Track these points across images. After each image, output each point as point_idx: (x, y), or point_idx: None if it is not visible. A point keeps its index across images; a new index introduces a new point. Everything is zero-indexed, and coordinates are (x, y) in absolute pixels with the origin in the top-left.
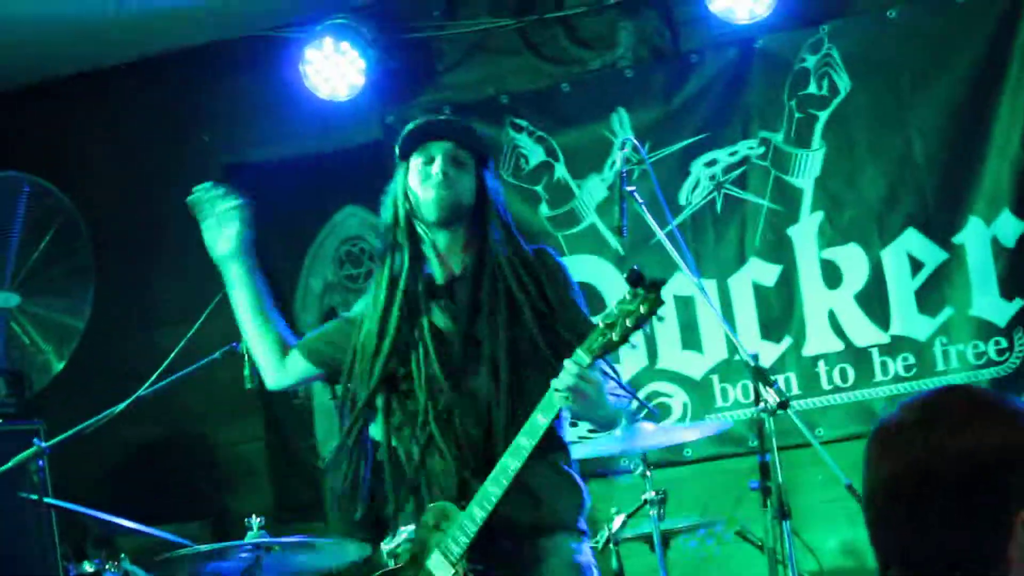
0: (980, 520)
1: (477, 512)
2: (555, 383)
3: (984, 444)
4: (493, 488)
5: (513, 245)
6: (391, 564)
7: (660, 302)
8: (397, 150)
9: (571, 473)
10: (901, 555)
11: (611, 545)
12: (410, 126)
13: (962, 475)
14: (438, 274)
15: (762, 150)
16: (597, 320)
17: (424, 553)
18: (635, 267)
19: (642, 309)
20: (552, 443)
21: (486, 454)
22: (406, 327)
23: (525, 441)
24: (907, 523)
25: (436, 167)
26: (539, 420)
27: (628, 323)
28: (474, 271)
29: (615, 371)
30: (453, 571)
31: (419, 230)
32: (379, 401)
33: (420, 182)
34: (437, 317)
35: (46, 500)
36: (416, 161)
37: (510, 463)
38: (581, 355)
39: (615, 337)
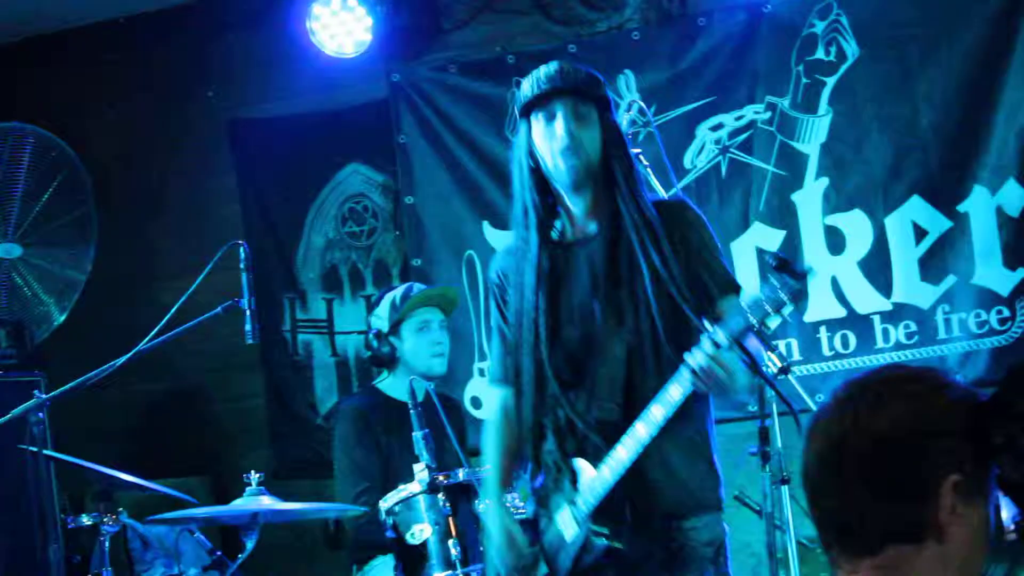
0: (904, 491)
1: (606, 474)
2: (688, 359)
3: (898, 420)
4: (622, 453)
5: (642, 201)
6: (389, 521)
7: (804, 293)
8: (517, 109)
9: (708, 448)
10: (838, 531)
11: None
12: (528, 86)
13: (880, 450)
14: (569, 234)
15: (768, 115)
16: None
17: (553, 506)
18: (782, 253)
19: (785, 296)
20: (691, 415)
21: (627, 420)
22: (529, 297)
23: (658, 411)
24: (838, 499)
25: (560, 128)
26: (672, 392)
27: (768, 308)
28: (606, 234)
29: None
30: (577, 530)
31: (548, 192)
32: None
33: (546, 145)
34: (571, 283)
35: (45, 452)
36: (538, 120)
37: (642, 430)
38: (719, 334)
39: (755, 320)
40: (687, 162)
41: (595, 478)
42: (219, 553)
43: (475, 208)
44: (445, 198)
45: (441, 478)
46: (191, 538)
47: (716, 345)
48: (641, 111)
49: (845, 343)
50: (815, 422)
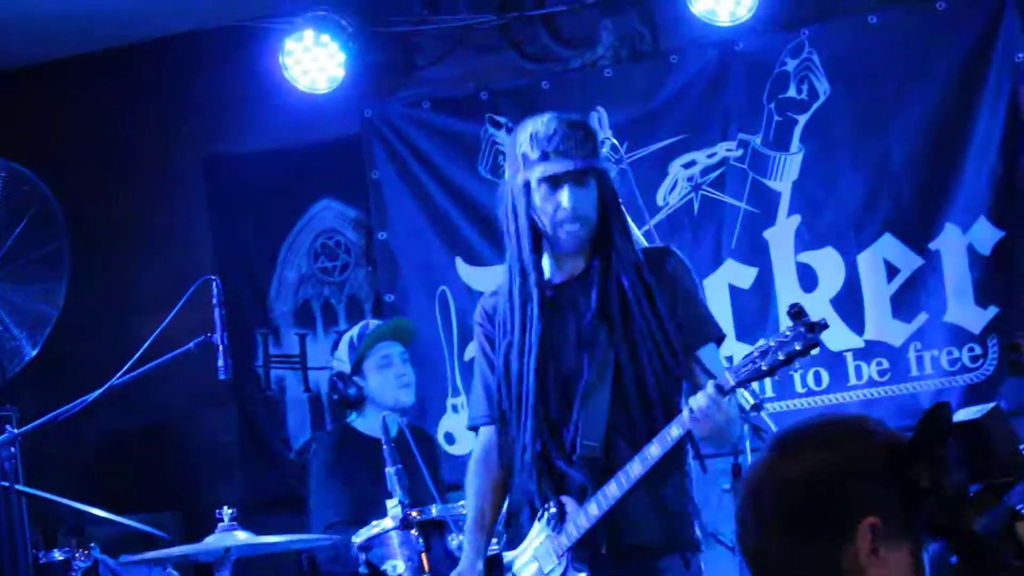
0: (821, 531)
1: (593, 509)
2: (691, 401)
3: (818, 462)
4: (613, 489)
5: (631, 249)
6: (362, 556)
7: (815, 344)
8: (520, 162)
9: (690, 487)
10: (761, 571)
11: None
12: (532, 150)
13: (797, 490)
14: (557, 274)
15: (740, 152)
16: (752, 348)
17: (534, 540)
18: (798, 303)
19: (797, 346)
20: (679, 454)
21: (606, 462)
22: (519, 337)
23: (655, 450)
24: (759, 539)
25: (564, 199)
26: (672, 432)
27: (780, 356)
28: (597, 276)
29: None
30: (555, 563)
31: (542, 248)
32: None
33: (547, 210)
34: (556, 324)
35: (16, 487)
36: (542, 184)
37: (634, 467)
38: (727, 377)
39: (764, 367)
40: (660, 199)
41: (579, 514)
42: None
43: (448, 244)
44: (418, 234)
45: (414, 514)
46: (164, 574)
47: (720, 389)
48: (614, 148)
49: (818, 380)
50: (749, 467)
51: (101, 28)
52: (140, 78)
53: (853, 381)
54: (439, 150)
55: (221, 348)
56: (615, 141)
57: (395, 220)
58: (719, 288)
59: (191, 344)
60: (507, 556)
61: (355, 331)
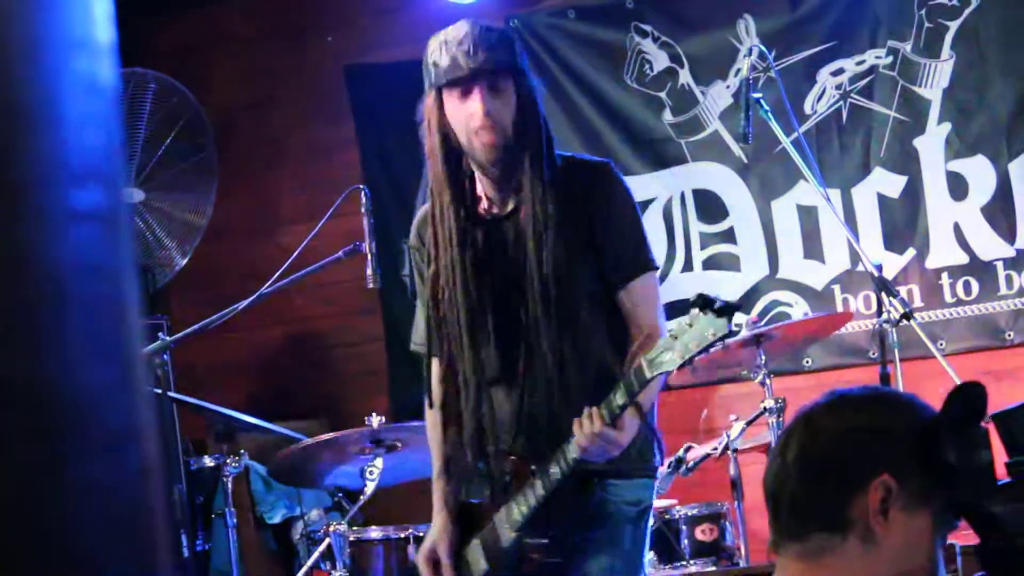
0: (834, 480)
1: (539, 486)
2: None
3: (845, 419)
4: (555, 469)
5: (553, 171)
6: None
7: (727, 328)
8: (428, 77)
9: (651, 416)
10: (773, 512)
11: (729, 452)
12: (442, 58)
13: (818, 440)
14: (492, 205)
15: (890, 60)
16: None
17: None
18: (704, 292)
19: (709, 334)
20: None
21: (556, 418)
22: (449, 275)
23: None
24: (777, 481)
25: (476, 105)
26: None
27: (692, 346)
28: (520, 208)
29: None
30: (512, 537)
31: (462, 162)
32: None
33: (461, 121)
34: (486, 258)
35: (169, 394)
36: (452, 93)
37: (573, 451)
38: (632, 380)
39: (676, 359)
40: (808, 107)
41: (530, 487)
42: (340, 495)
43: (594, 153)
44: (563, 143)
45: None
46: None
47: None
48: (761, 56)
49: (968, 289)
50: (797, 411)
51: None
52: None
53: (1003, 290)
54: (585, 59)
55: (370, 257)
56: (763, 48)
57: None
58: (868, 196)
59: (340, 252)
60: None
61: None
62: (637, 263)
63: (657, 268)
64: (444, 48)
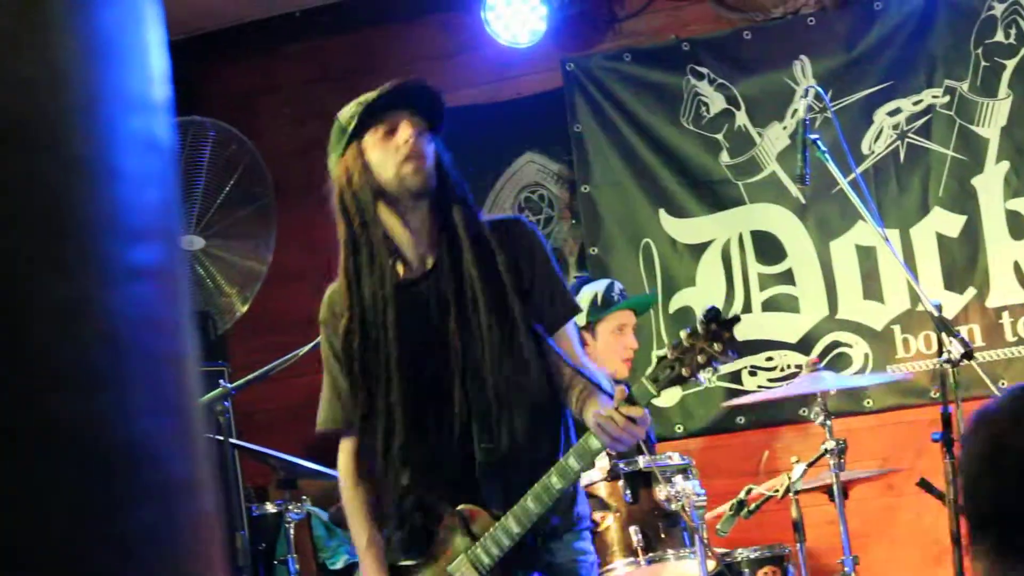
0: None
1: (513, 526)
2: (601, 422)
3: None
4: (534, 505)
5: (477, 224)
6: None
7: (735, 342)
8: (350, 128)
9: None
10: (984, 525)
11: (790, 494)
12: (362, 100)
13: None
14: (412, 263)
15: (947, 99)
16: (664, 352)
17: (445, 554)
18: (713, 306)
19: (716, 347)
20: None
21: (505, 467)
22: (376, 334)
23: (574, 463)
24: (991, 496)
25: (404, 134)
26: (590, 445)
27: (700, 359)
28: (443, 262)
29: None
30: None
31: (384, 215)
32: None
33: (386, 154)
34: (408, 320)
35: (231, 441)
36: (374, 134)
37: (554, 481)
38: (647, 386)
39: (685, 371)
40: (865, 148)
41: (497, 528)
42: None
43: (651, 196)
44: (621, 186)
45: (622, 465)
46: None
47: (631, 399)
48: (818, 97)
49: None
50: (977, 419)
51: None
52: (340, 35)
53: None
54: (641, 102)
55: None
56: (819, 89)
57: (598, 173)
58: (927, 237)
59: None
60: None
61: (600, 289)
62: (566, 310)
63: (578, 310)
64: (361, 105)
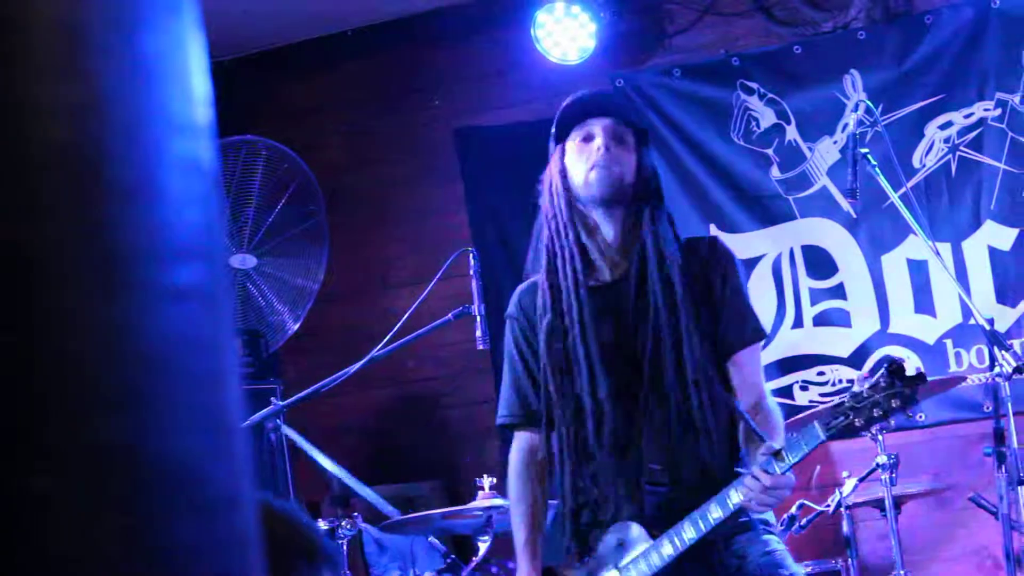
0: None
1: (667, 548)
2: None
3: None
4: (689, 530)
5: (670, 239)
6: None
7: (915, 400)
8: (553, 131)
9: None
10: None
11: (843, 510)
12: (566, 103)
13: None
14: (602, 271)
15: (998, 112)
16: (844, 399)
17: (599, 568)
18: (899, 358)
19: (895, 403)
20: None
21: (673, 484)
22: (571, 336)
23: (736, 496)
24: None
25: (597, 142)
26: (763, 478)
27: (876, 413)
28: (640, 269)
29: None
30: None
31: (579, 219)
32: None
33: (580, 160)
34: (604, 326)
35: (305, 447)
36: (574, 140)
37: (714, 511)
38: (817, 432)
39: (859, 422)
40: (916, 161)
41: (651, 549)
42: (453, 557)
43: (702, 211)
44: (671, 201)
45: None
46: (425, 542)
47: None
48: (868, 111)
49: None
50: None
51: (354, 6)
52: (392, 54)
53: None
54: (691, 117)
55: (479, 319)
56: (870, 104)
57: None
58: (979, 250)
59: (450, 315)
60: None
61: None
62: (754, 332)
63: (765, 335)
64: (567, 110)
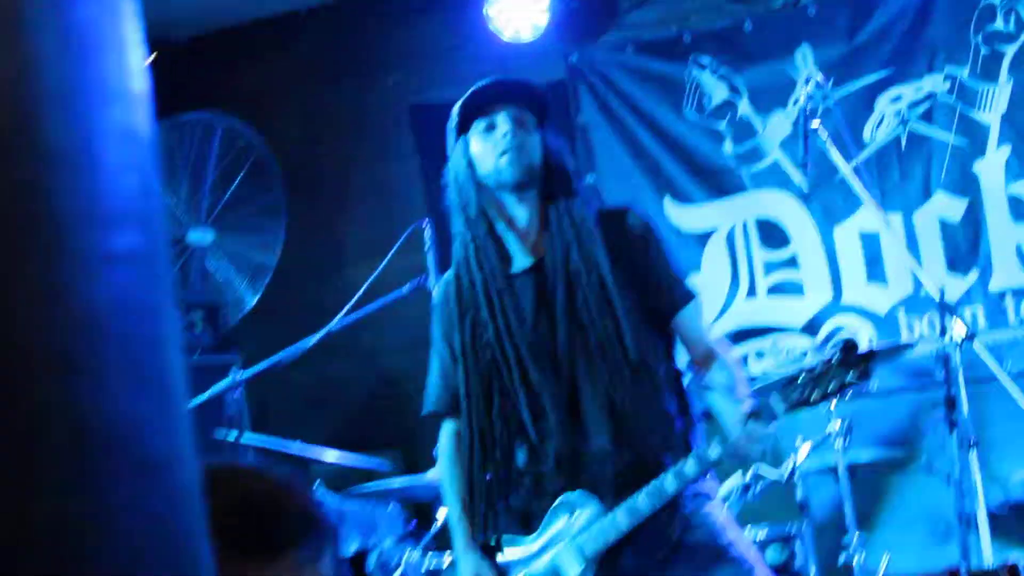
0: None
1: (622, 522)
2: (731, 441)
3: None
4: (645, 505)
5: (584, 217)
6: None
7: (868, 375)
8: (456, 124)
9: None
10: None
11: (796, 477)
12: (465, 97)
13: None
14: (520, 258)
15: (948, 85)
16: (800, 370)
17: (546, 537)
18: (851, 338)
19: (850, 377)
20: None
21: (617, 452)
22: (493, 323)
23: (691, 467)
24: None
25: (502, 128)
26: (711, 454)
27: (831, 387)
28: (551, 255)
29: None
30: (580, 570)
31: (491, 207)
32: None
33: (487, 149)
34: (521, 310)
35: (243, 440)
36: (476, 130)
37: (669, 486)
38: (776, 404)
39: (814, 396)
40: (867, 135)
41: (604, 520)
42: (414, 523)
43: (656, 184)
44: (625, 175)
45: None
46: (385, 510)
47: (758, 415)
48: (819, 85)
49: None
50: None
51: None
52: (347, 32)
53: None
54: (644, 93)
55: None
56: (821, 78)
57: (602, 163)
58: (929, 221)
59: (405, 289)
60: (512, 550)
61: None
62: (685, 295)
63: (695, 295)
64: (468, 99)
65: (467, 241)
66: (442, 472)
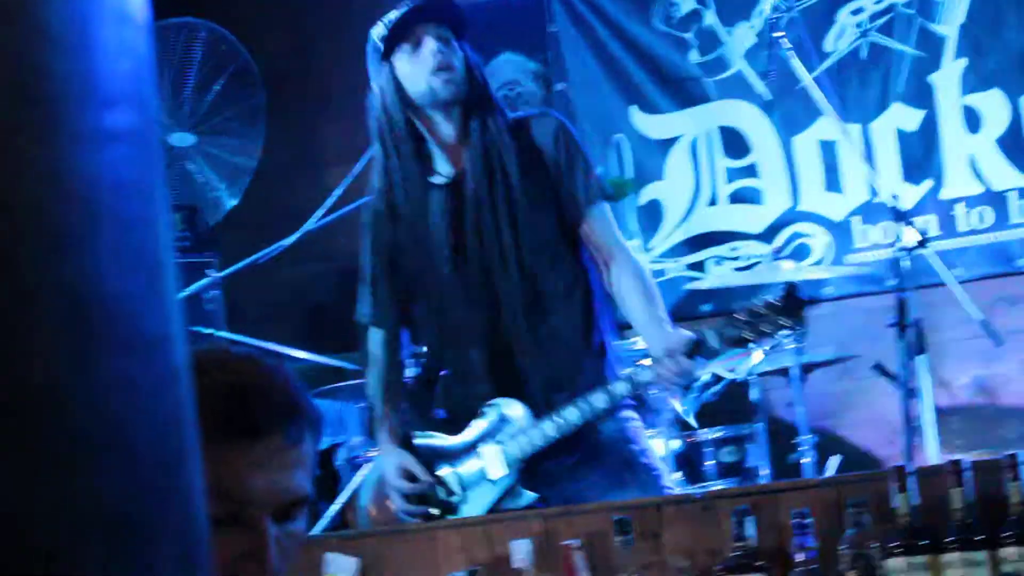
0: None
1: (550, 431)
2: (659, 369)
3: None
4: (575, 417)
5: (502, 126)
6: None
7: (804, 321)
8: (380, 48)
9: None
10: None
11: (752, 377)
12: (388, 22)
13: None
14: (445, 170)
15: None
16: (741, 307)
17: (476, 438)
18: (793, 282)
19: (785, 321)
20: None
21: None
22: (418, 237)
23: (621, 387)
24: None
25: (430, 46)
26: (642, 376)
27: (766, 328)
28: (471, 167)
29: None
30: (506, 473)
31: (417, 119)
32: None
33: (416, 69)
34: (446, 223)
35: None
36: (402, 52)
37: (600, 401)
38: (713, 341)
39: (750, 335)
40: (828, 46)
41: (535, 428)
42: None
43: (623, 93)
44: (594, 84)
45: None
46: (355, 408)
47: (698, 345)
48: None
49: (981, 218)
50: None
51: None
52: None
53: (1015, 219)
54: (613, 3)
55: None
56: None
57: (573, 71)
58: (887, 131)
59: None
60: (440, 440)
61: None
62: (591, 195)
63: (604, 191)
64: (388, 24)
65: (391, 162)
66: (369, 373)
